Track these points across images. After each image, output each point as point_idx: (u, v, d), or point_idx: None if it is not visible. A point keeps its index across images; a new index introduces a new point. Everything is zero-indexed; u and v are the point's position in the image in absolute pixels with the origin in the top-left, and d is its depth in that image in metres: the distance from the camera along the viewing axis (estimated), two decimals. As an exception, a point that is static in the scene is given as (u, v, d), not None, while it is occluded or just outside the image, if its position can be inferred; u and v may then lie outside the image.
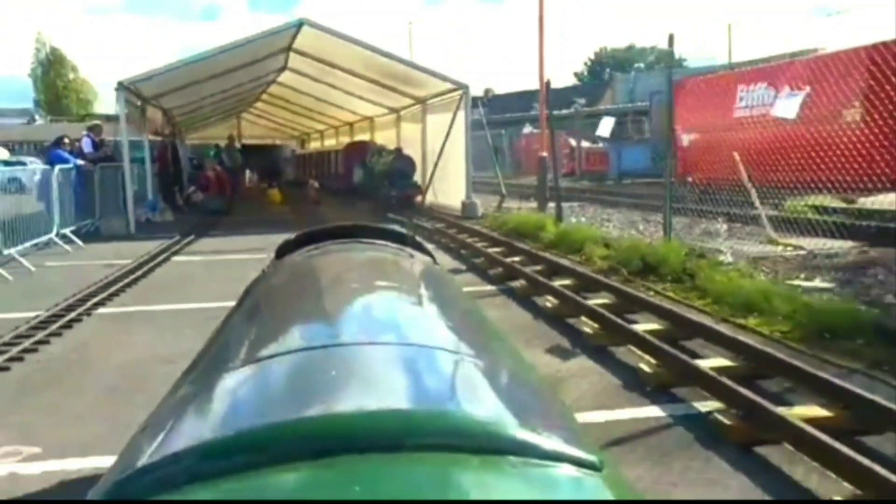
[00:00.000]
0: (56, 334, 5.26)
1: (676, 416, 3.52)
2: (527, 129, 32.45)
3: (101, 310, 6.16)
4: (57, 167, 10.09)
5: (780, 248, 7.93)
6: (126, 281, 7.39)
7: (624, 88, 41.66)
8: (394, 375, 1.05)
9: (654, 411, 3.59)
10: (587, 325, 5.12)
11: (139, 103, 13.69)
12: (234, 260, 8.43)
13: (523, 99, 54.50)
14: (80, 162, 11.16)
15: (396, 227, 2.50)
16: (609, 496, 0.80)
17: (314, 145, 30.04)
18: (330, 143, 27.21)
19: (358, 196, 17.63)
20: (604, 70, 74.69)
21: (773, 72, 16.60)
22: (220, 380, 1.06)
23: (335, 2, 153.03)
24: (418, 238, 2.38)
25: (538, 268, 7.26)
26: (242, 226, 12.52)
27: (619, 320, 4.91)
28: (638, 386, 3.94)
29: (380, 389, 0.98)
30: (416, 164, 16.52)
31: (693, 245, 7.49)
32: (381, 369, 1.06)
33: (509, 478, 0.78)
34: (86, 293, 6.66)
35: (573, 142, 26.83)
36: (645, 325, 4.86)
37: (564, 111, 27.93)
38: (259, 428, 0.83)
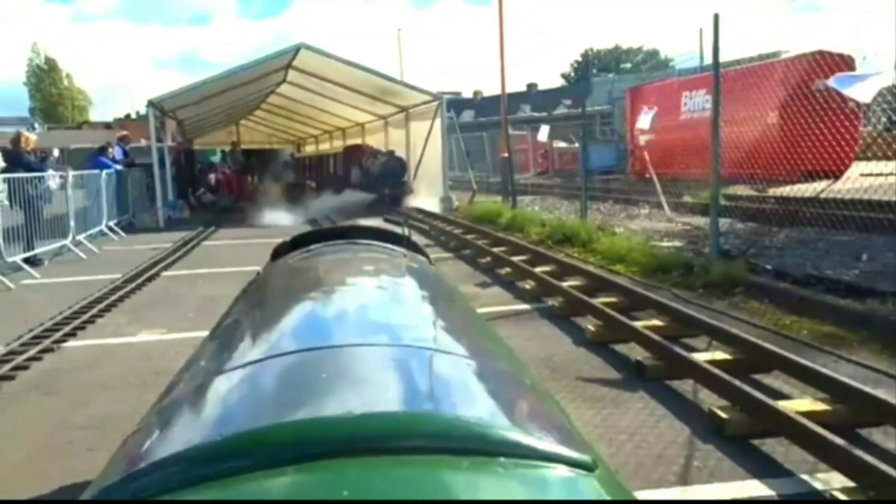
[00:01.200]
0: (143, 285, 7.74)
1: (540, 308, 6.02)
2: (517, 131, 34.93)
3: (165, 273, 8.64)
4: (104, 171, 12.54)
5: (674, 224, 10.43)
6: (173, 257, 9.87)
7: (603, 90, 44.20)
8: (386, 377, 1.07)
9: (528, 307, 6.10)
10: (505, 272, 7.63)
11: (159, 115, 16.17)
12: (249, 243, 10.90)
13: (514, 99, 57.03)
14: (119, 167, 13.62)
15: (392, 228, 2.58)
16: (602, 496, 0.81)
17: (310, 149, 32.52)
18: (324, 146, 29.66)
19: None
20: (590, 71, 77.35)
21: (710, 80, 19.17)
22: (212, 383, 1.09)
23: (323, 8, 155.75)
24: (413, 239, 2.41)
25: (486, 241, 9.77)
26: (251, 219, 14.98)
27: (527, 267, 7.41)
28: (524, 297, 6.46)
29: (371, 392, 1.00)
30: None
31: (603, 223, 10.01)
32: (373, 371, 1.08)
33: (501, 479, 0.79)
34: (148, 264, 9.12)
35: (549, 141, 29.34)
36: (542, 268, 7.36)
37: (521, 114, 30.34)
38: (249, 432, 0.84)
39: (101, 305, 6.62)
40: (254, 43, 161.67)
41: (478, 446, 0.81)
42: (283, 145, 35.37)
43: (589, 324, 5.24)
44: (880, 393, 3.34)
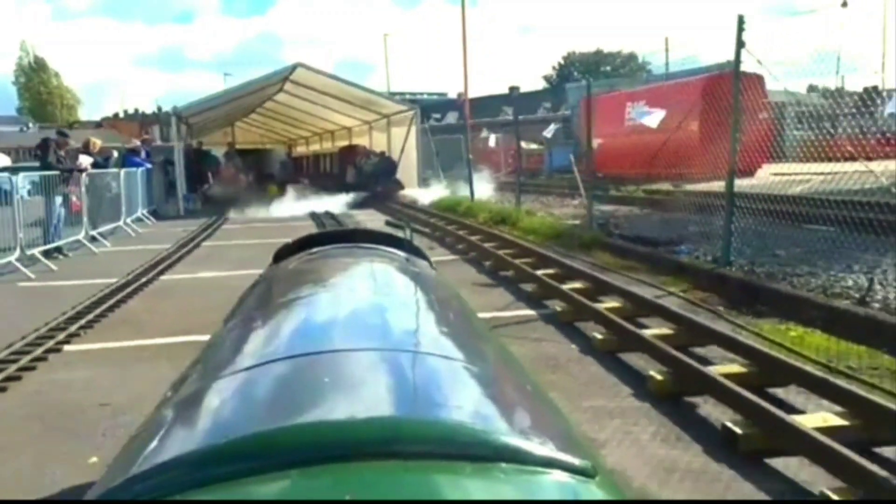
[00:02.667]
0: (189, 252, 10.95)
1: (464, 258, 9.28)
2: (483, 133, 38.33)
3: (204, 243, 11.86)
4: (138, 169, 15.72)
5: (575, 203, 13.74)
6: (203, 235, 13.07)
7: (575, 95, 47.48)
8: (389, 382, 1.09)
9: (457, 258, 9.36)
10: (449, 240, 10.92)
11: (178, 121, 19.35)
12: (259, 227, 14.15)
13: (496, 101, 60.43)
14: (149, 165, 16.80)
15: (394, 232, 2.62)
16: (604, 501, 0.83)
17: (301, 149, 35.66)
18: (315, 147, 32.83)
19: (348, 191, 21.48)
20: (572, 74, 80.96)
21: (648, 91, 22.63)
22: (214, 387, 1.11)
23: (308, 6, 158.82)
24: (416, 243, 2.47)
25: (443, 222, 13.05)
26: (256, 211, 18.17)
27: (465, 236, 10.68)
28: (458, 252, 9.74)
29: (374, 396, 1.02)
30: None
31: (534, 210, 13.33)
32: (376, 376, 1.11)
33: (501, 485, 0.80)
34: (186, 239, 12.31)
35: (522, 144, 32.74)
36: (475, 237, 10.63)
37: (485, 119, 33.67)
38: (250, 436, 0.86)
39: (167, 262, 9.82)
40: (238, 41, 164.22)
41: (480, 452, 0.83)
42: (274, 145, 38.54)
43: (489, 263, 8.54)
44: (634, 288, 6.54)
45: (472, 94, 73.49)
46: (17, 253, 8.93)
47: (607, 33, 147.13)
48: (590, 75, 74.55)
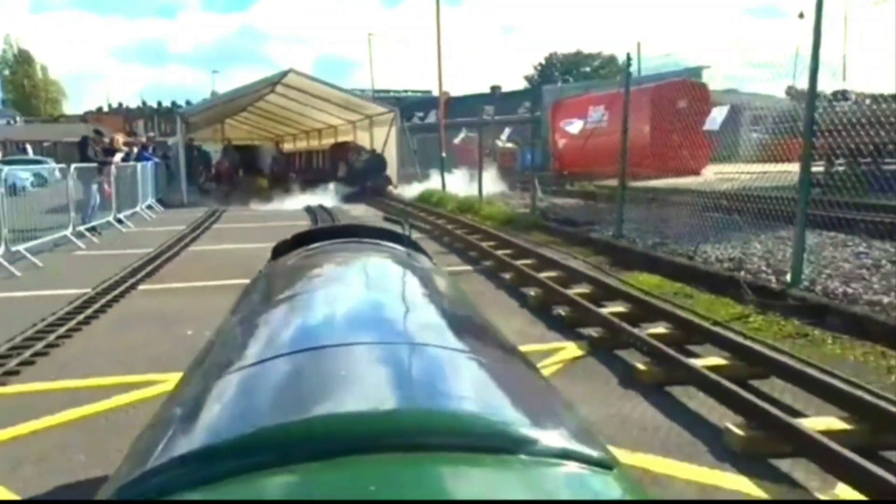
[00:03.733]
0: (204, 231, 13.30)
1: (430, 236, 11.72)
2: (462, 133, 40.88)
3: (214, 226, 14.21)
4: (149, 162, 17.97)
5: (542, 202, 16.25)
6: (211, 220, 15.41)
7: (550, 97, 50.13)
8: (401, 375, 1.10)
9: (425, 236, 11.80)
10: (420, 225, 13.37)
11: (181, 122, 21.59)
12: (256, 214, 16.54)
13: (478, 100, 62.86)
14: (157, 159, 19.07)
15: (393, 228, 2.69)
16: (621, 494, 0.84)
17: (288, 146, 37.89)
18: (301, 144, 35.09)
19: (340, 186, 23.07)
20: (553, 74, 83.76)
21: (606, 97, 25.24)
22: (226, 381, 1.11)
23: (290, 2, 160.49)
24: (414, 238, 2.47)
25: (416, 210, 15.48)
26: (250, 200, 20.48)
27: (433, 220, 13.12)
28: (426, 233, 12.19)
29: (388, 389, 1.04)
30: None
31: (494, 200, 15.80)
32: (389, 369, 1.12)
33: (523, 476, 0.82)
34: (198, 222, 14.63)
35: (499, 143, 35.27)
36: (440, 221, 13.07)
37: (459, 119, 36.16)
38: (269, 428, 0.87)
39: (189, 238, 12.15)
40: (220, 36, 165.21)
41: (499, 444, 0.83)
42: (262, 142, 40.76)
43: (447, 239, 11.00)
44: (548, 253, 8.96)
45: (454, 93, 76.19)
46: (71, 229, 11.24)
47: (589, 34, 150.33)
48: (569, 76, 77.50)
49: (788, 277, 6.21)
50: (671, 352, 4.48)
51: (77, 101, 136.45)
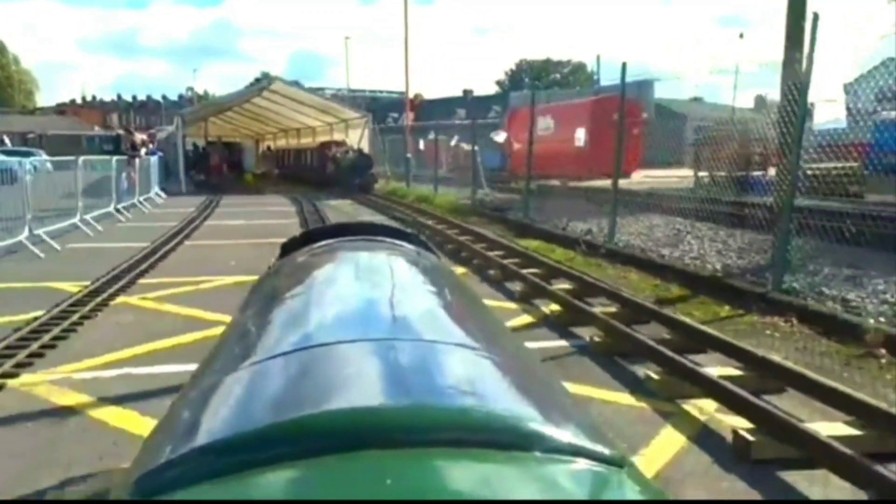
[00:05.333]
0: (212, 211, 16.95)
1: (394, 217, 15.53)
2: (431, 135, 44.76)
3: (217, 210, 17.86)
4: (156, 155, 21.49)
5: (488, 196, 20.17)
6: (213, 205, 19.02)
7: (516, 103, 54.18)
8: (410, 371, 1.12)
9: (385, 218, 15.62)
10: (386, 212, 17.17)
11: (180, 121, 25.06)
12: (250, 201, 20.19)
13: (451, 104, 66.83)
14: (160, 153, 22.60)
15: (400, 227, 2.82)
16: (633, 492, 0.86)
17: (269, 143, 41.36)
18: (281, 142, 38.60)
19: (327, 183, 24.77)
20: (523, 80, 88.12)
21: (553, 108, 29.33)
22: (240, 376, 1.14)
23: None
24: (423, 237, 2.57)
25: (385, 202, 19.27)
26: (240, 192, 24.05)
27: (397, 207, 16.92)
28: (389, 217, 16.02)
29: (397, 385, 1.06)
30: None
31: (447, 193, 19.68)
32: (397, 365, 1.14)
33: (536, 473, 0.83)
34: (202, 206, 18.23)
35: (464, 145, 39.18)
36: (402, 209, 16.89)
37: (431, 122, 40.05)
38: (277, 423, 0.89)
39: (202, 216, 15.76)
40: (193, 30, 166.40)
41: (513, 440, 0.85)
42: (243, 139, 44.17)
43: (404, 220, 14.82)
44: (475, 229, 12.76)
45: (429, 95, 79.43)
46: (113, 206, 14.83)
47: (561, 41, 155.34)
48: (538, 82, 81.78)
49: (606, 239, 10.15)
50: (537, 281, 8.24)
51: (48, 93, 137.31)
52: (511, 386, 1.15)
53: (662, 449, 3.60)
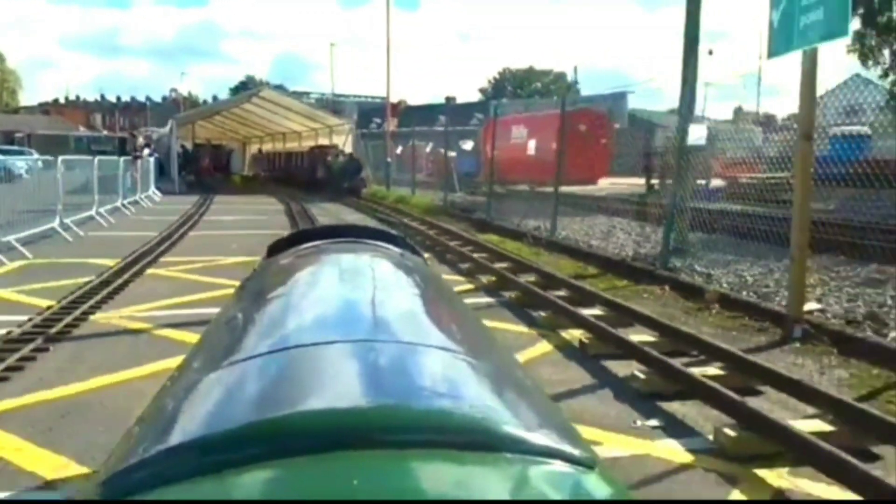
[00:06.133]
0: (208, 208, 18.84)
1: (374, 217, 17.53)
2: (418, 141, 46.79)
3: (212, 207, 19.74)
4: (153, 158, 23.31)
5: (461, 198, 22.22)
6: (207, 202, 20.88)
7: (497, 111, 56.30)
8: (388, 373, 1.14)
9: (365, 216, 17.60)
10: (368, 212, 19.16)
11: (174, 124, 26.86)
12: (241, 199, 22.05)
13: (434, 110, 68.76)
14: (157, 154, 24.41)
15: (387, 229, 2.81)
16: (603, 493, 0.88)
17: (254, 147, 43.13)
18: (268, 146, 40.42)
19: (318, 186, 26.15)
20: (506, 88, 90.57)
21: (525, 119, 31.55)
22: (217, 376, 1.15)
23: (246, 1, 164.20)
24: (409, 240, 2.59)
25: (367, 203, 21.24)
26: (230, 191, 25.90)
27: (376, 207, 18.90)
28: (370, 216, 18.01)
29: (374, 386, 1.07)
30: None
31: (423, 195, 21.70)
32: (375, 366, 1.15)
33: (506, 474, 0.85)
34: (198, 203, 20.09)
35: (442, 151, 41.27)
36: (381, 210, 18.88)
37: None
38: (256, 423, 0.90)
39: (200, 211, 17.63)
40: (176, 30, 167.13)
41: (483, 441, 0.87)
42: (229, 142, 45.94)
43: (384, 218, 16.83)
44: (443, 224, 14.75)
45: (413, 101, 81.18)
46: (120, 201, 16.69)
47: (544, 50, 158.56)
48: (521, 91, 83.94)
49: (548, 233, 12.23)
50: (484, 262, 10.20)
51: (29, 91, 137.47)
52: (487, 388, 1.16)
53: (536, 351, 5.64)
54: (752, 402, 4.13)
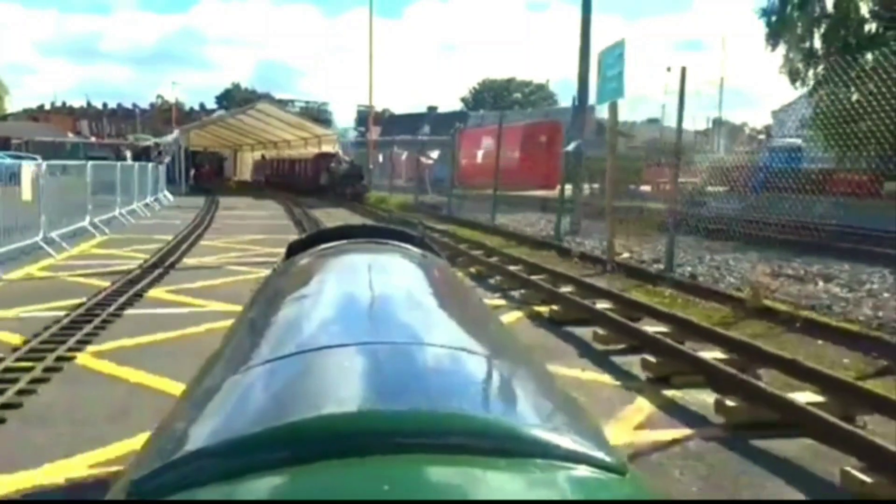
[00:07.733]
0: (217, 207, 22.87)
1: (360, 214, 21.60)
2: (396, 149, 50.76)
3: (220, 206, 23.73)
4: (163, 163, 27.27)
5: (430, 198, 26.36)
6: (215, 203, 24.84)
7: (473, 122, 60.55)
8: (413, 376, 1.15)
9: (348, 212, 21.68)
10: (352, 210, 23.25)
11: (179, 133, 30.79)
12: (243, 201, 26.04)
13: (417, 119, 72.83)
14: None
15: (406, 229, 2.85)
16: (634, 499, 0.89)
17: (246, 155, 46.98)
18: (257, 154, 44.30)
19: (321, 192, 28.36)
20: (486, 98, 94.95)
21: (493, 130, 35.87)
22: (242, 378, 1.16)
23: (232, 6, 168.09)
24: (427, 240, 2.64)
25: (351, 201, 25.34)
26: (231, 194, 29.75)
27: (360, 209, 22.99)
28: (357, 214, 22.10)
29: (400, 390, 1.08)
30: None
31: (403, 196, 25.84)
32: (401, 370, 1.16)
33: (537, 480, 0.86)
34: (208, 204, 24.04)
35: (423, 159, 45.46)
36: (361, 209, 22.98)
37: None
38: (280, 427, 0.90)
39: (213, 210, 21.60)
40: (158, 36, 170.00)
41: (515, 447, 0.87)
42: (221, 149, 49.88)
43: (365, 214, 20.93)
44: (411, 217, 18.79)
45: (396, 110, 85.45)
46: (149, 198, 20.68)
47: (524, 57, 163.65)
48: (501, 101, 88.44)
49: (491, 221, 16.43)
50: (440, 240, 14.33)
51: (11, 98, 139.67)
52: (513, 392, 1.17)
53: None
54: (577, 297, 8.29)
